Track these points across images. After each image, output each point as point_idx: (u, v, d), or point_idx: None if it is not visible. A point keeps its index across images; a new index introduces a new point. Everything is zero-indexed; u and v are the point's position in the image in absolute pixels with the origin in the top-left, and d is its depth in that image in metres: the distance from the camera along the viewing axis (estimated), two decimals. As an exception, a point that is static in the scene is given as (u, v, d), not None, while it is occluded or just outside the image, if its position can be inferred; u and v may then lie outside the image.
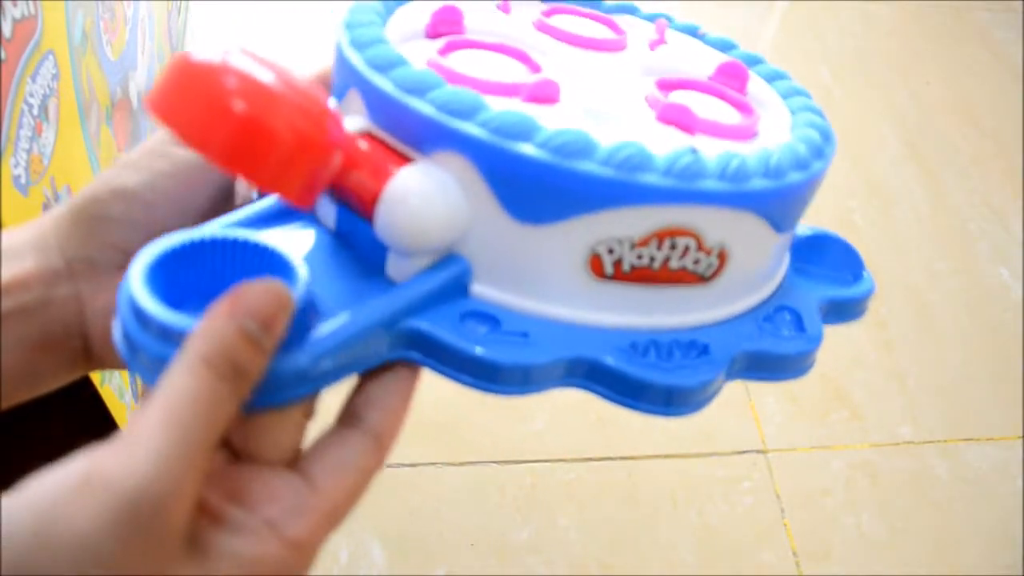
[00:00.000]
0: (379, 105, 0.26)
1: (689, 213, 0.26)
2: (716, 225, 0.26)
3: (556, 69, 0.31)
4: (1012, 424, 0.94)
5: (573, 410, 0.86)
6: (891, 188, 1.18)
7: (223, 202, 0.29)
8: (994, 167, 1.26)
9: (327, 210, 0.28)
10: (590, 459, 0.83)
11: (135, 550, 0.19)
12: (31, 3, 0.44)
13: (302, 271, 0.24)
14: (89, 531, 0.19)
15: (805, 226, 0.34)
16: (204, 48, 0.23)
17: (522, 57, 0.31)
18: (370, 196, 0.25)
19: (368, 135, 0.27)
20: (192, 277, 0.24)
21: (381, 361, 0.25)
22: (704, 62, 0.34)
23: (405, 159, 0.26)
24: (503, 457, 0.81)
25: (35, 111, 0.45)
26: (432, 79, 0.26)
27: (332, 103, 0.26)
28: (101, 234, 0.27)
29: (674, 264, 0.26)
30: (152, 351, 0.22)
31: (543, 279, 0.26)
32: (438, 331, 0.25)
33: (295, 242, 0.28)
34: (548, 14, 0.35)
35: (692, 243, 0.26)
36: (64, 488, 0.19)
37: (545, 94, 0.28)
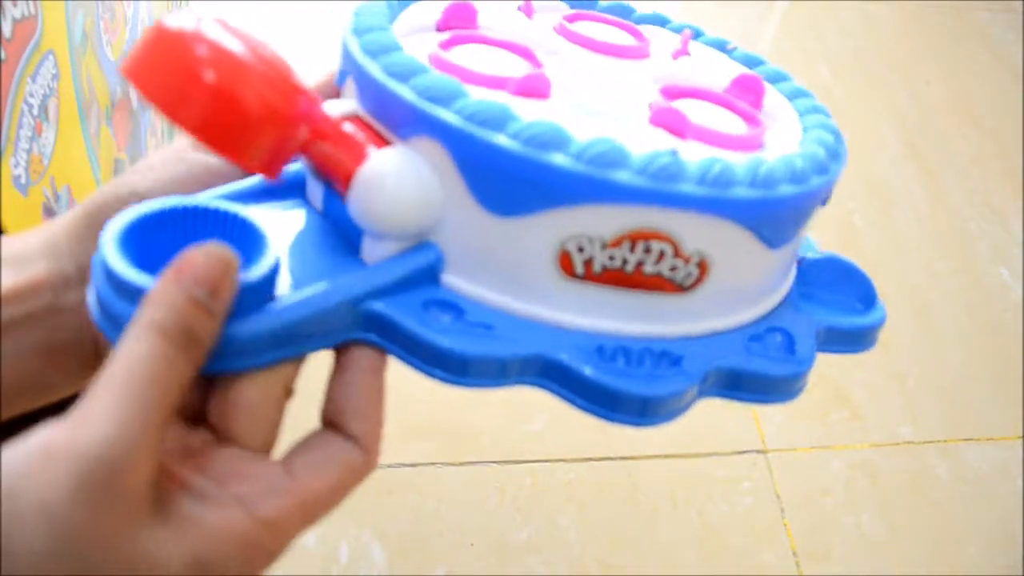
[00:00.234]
0: (366, 89, 0.27)
1: (664, 216, 0.25)
2: (694, 232, 0.25)
3: (561, 68, 0.31)
4: (1012, 424, 0.94)
5: (573, 410, 0.86)
6: (891, 188, 1.18)
7: None
8: (994, 167, 1.26)
9: (315, 191, 0.28)
10: (590, 459, 0.83)
11: (97, 513, 0.19)
12: (31, 3, 0.44)
13: (272, 240, 0.24)
14: (51, 499, 0.19)
15: (815, 249, 0.33)
16: (178, 17, 0.23)
17: (527, 55, 0.30)
18: (346, 176, 0.25)
19: (356, 119, 0.27)
20: (165, 245, 0.24)
21: (344, 339, 0.25)
22: (722, 75, 0.33)
23: (386, 143, 0.26)
24: (503, 457, 0.81)
25: (35, 111, 0.45)
26: (418, 66, 0.26)
27: (310, 81, 0.26)
28: None
29: (649, 269, 0.26)
30: (126, 316, 0.22)
31: (512, 273, 0.26)
32: (397, 314, 0.25)
33: (282, 219, 0.28)
34: (572, 19, 0.34)
35: (668, 249, 0.25)
36: (25, 463, 0.19)
37: (534, 88, 0.28)
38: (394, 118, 0.26)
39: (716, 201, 0.25)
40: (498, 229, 0.25)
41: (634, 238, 0.25)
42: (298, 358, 0.25)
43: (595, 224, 0.25)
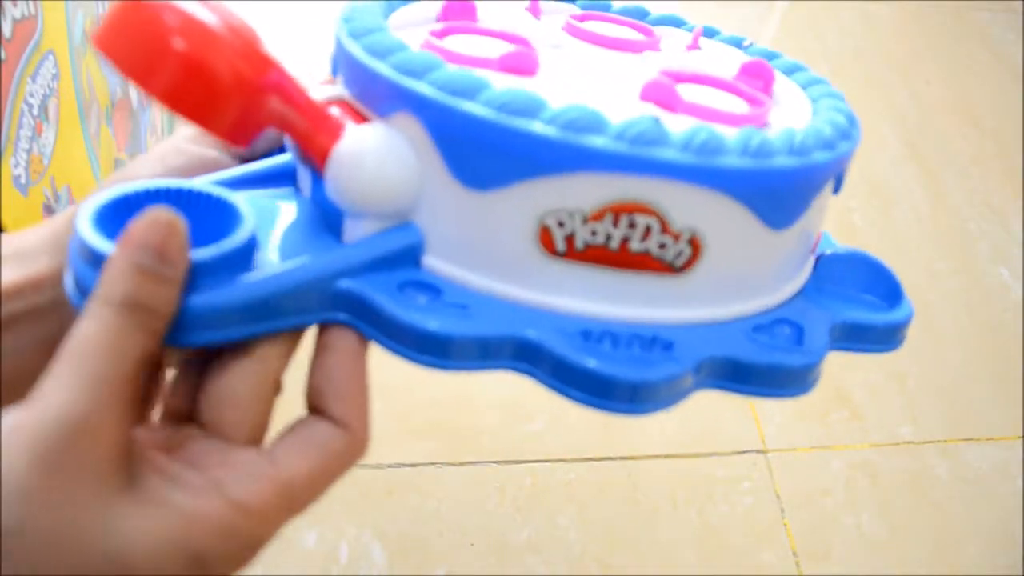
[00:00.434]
0: (349, 70, 0.26)
1: (646, 186, 0.23)
2: (682, 205, 0.24)
3: (560, 59, 0.30)
4: (1012, 424, 0.94)
5: (573, 410, 0.86)
6: (891, 188, 1.18)
7: None
8: (994, 167, 1.26)
9: (304, 177, 0.28)
10: (590, 459, 0.83)
11: (58, 480, 0.19)
12: (31, 3, 0.44)
13: (248, 217, 0.24)
14: (11, 471, 0.19)
15: (836, 245, 0.31)
16: None
17: (523, 43, 0.30)
18: (322, 153, 0.25)
19: (342, 102, 0.27)
20: None
21: (319, 319, 0.25)
22: (731, 65, 0.32)
23: (364, 121, 0.26)
24: (503, 457, 0.81)
25: (35, 111, 0.45)
26: (399, 45, 0.25)
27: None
28: None
29: (635, 246, 0.24)
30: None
31: (491, 252, 0.25)
32: (369, 293, 0.24)
33: (270, 204, 0.28)
34: (581, 19, 0.34)
35: (655, 223, 0.24)
36: None
37: (520, 65, 0.27)
38: (374, 96, 0.25)
39: (702, 170, 0.23)
40: (475, 204, 0.24)
41: (616, 211, 0.24)
42: (286, 351, 0.25)
43: (574, 195, 0.24)
